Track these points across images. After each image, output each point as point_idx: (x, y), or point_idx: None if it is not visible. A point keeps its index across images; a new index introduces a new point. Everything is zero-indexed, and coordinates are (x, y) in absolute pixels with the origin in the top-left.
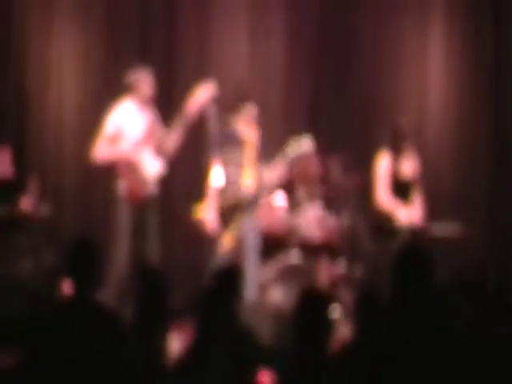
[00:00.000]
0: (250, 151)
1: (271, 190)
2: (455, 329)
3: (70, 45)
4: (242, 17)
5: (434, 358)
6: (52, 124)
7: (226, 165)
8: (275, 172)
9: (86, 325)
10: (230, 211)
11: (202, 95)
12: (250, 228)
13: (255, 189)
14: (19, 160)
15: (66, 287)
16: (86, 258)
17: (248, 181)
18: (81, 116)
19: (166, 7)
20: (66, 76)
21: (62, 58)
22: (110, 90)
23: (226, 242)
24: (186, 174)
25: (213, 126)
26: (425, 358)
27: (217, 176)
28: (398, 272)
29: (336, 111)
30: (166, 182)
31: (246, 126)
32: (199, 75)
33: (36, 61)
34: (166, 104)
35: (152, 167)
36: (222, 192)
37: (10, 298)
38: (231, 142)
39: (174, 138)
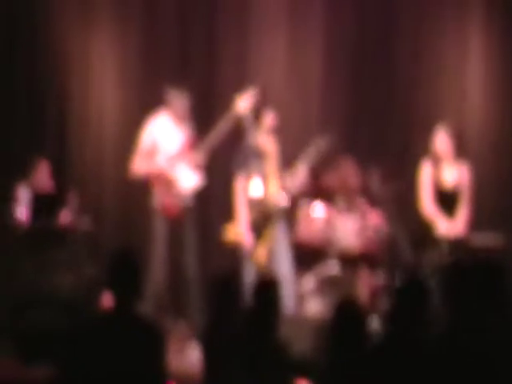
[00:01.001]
0: (271, 161)
1: (305, 199)
2: None
3: (109, 59)
4: (280, 28)
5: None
6: (92, 138)
7: (250, 177)
8: (299, 178)
9: (127, 338)
10: (260, 223)
11: (243, 104)
12: (281, 238)
13: (281, 198)
14: (59, 174)
15: (106, 300)
16: (126, 271)
17: (274, 191)
18: (121, 130)
19: (205, 19)
20: (106, 90)
21: (102, 73)
22: (149, 104)
23: (260, 255)
24: (223, 187)
25: (251, 138)
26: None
27: (256, 188)
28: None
29: (374, 121)
30: (202, 195)
31: (265, 136)
32: (238, 87)
33: (77, 75)
34: (205, 116)
35: (188, 181)
36: (250, 205)
37: (51, 312)
38: (253, 153)
39: (208, 146)
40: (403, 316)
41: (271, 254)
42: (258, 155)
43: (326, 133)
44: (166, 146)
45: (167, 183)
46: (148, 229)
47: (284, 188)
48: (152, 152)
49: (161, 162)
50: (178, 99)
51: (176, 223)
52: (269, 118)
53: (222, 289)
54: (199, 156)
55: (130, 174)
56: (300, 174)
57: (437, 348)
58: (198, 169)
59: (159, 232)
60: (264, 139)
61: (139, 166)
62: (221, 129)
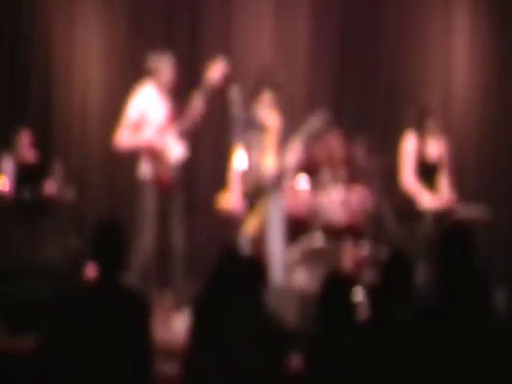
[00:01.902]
0: (271, 136)
1: (293, 173)
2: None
3: (94, 28)
4: (266, 3)
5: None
6: (77, 108)
7: (248, 149)
8: (295, 154)
9: (113, 309)
10: (254, 195)
11: (216, 71)
12: (274, 211)
13: (277, 172)
14: (44, 145)
15: (91, 271)
16: (110, 242)
17: (270, 165)
18: (105, 100)
19: None
20: (90, 59)
21: (86, 42)
22: (134, 73)
23: (251, 226)
24: (210, 158)
25: (236, 110)
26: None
27: (240, 160)
28: (441, 251)
29: (360, 94)
30: (190, 166)
31: (268, 111)
32: (223, 56)
33: (60, 45)
34: (189, 89)
35: (175, 152)
36: (245, 176)
37: (36, 281)
38: (253, 126)
39: (194, 112)
40: (389, 291)
41: (263, 226)
42: (258, 128)
43: (321, 110)
44: (153, 116)
45: (157, 154)
46: (134, 199)
47: (281, 162)
48: (139, 124)
49: (149, 134)
50: (163, 65)
51: (165, 194)
52: (270, 92)
53: (224, 260)
54: (182, 127)
55: (114, 146)
56: (296, 150)
57: (424, 323)
58: (182, 139)
59: (149, 204)
60: (266, 114)
61: (125, 138)
62: (197, 100)
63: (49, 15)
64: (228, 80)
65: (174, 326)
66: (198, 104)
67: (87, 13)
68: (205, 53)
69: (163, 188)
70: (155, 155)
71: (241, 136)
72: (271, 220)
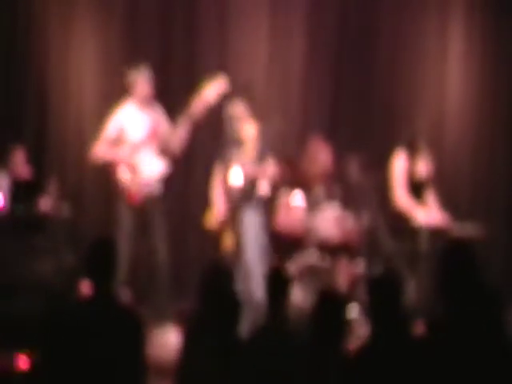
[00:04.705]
0: (248, 148)
1: (271, 183)
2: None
3: (89, 44)
4: (262, 17)
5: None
6: (72, 125)
7: (229, 164)
8: (269, 164)
9: (106, 324)
10: (233, 211)
11: (210, 92)
12: (249, 224)
13: (247, 184)
14: (39, 160)
15: (85, 287)
16: (104, 259)
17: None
18: (101, 116)
19: (186, 7)
20: (85, 75)
21: (81, 57)
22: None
23: (227, 242)
24: (203, 174)
25: (229, 126)
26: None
27: (236, 176)
28: (444, 266)
29: (354, 111)
30: (183, 182)
31: (243, 123)
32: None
33: (56, 62)
34: (183, 102)
35: (153, 168)
36: (228, 192)
37: (30, 298)
38: (231, 141)
39: (179, 136)
40: (379, 312)
41: (239, 243)
42: (236, 143)
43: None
44: (131, 134)
45: (131, 171)
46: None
47: (252, 173)
48: (117, 140)
49: (124, 153)
50: (138, 79)
51: (140, 210)
52: (238, 107)
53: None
54: (164, 143)
55: (90, 157)
56: (269, 161)
57: (432, 338)
58: (164, 155)
59: (124, 218)
60: (244, 126)
61: (101, 150)
62: (189, 116)
63: (44, 29)
64: (223, 97)
65: (157, 341)
66: (185, 122)
67: (83, 28)
68: (200, 69)
69: (136, 203)
70: (129, 171)
71: (220, 153)
72: (246, 233)
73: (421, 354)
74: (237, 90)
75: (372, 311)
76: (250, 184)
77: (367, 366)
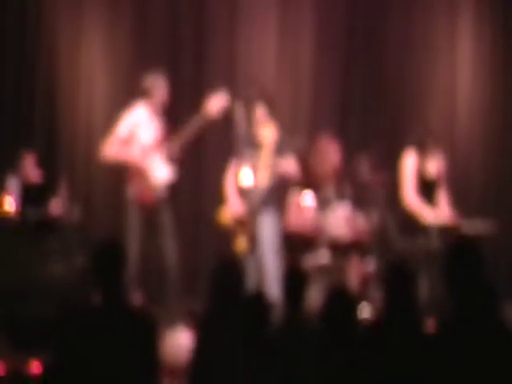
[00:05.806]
0: (265, 152)
1: (292, 186)
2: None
3: (98, 50)
4: (271, 14)
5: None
6: (82, 128)
7: (242, 166)
8: (289, 166)
9: (118, 327)
10: (246, 212)
11: (216, 103)
12: (266, 228)
13: (267, 188)
14: (50, 164)
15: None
16: (114, 262)
17: (262, 181)
18: (110, 120)
19: (195, 6)
20: (94, 80)
21: (90, 63)
22: (138, 95)
23: (241, 243)
24: (216, 175)
25: (240, 129)
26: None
27: (246, 177)
28: (451, 265)
29: (364, 110)
30: (196, 182)
31: (262, 127)
32: (228, 76)
33: (65, 65)
34: (194, 105)
35: (161, 174)
36: (241, 193)
37: (42, 301)
38: (249, 143)
39: (179, 142)
40: (393, 305)
41: (254, 242)
42: (253, 146)
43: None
44: (142, 136)
45: (141, 174)
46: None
47: (272, 178)
48: (128, 141)
49: (135, 153)
50: (157, 85)
51: (150, 213)
52: (259, 112)
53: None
54: (172, 149)
55: (100, 156)
56: (290, 163)
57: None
58: (171, 162)
59: (133, 221)
60: (263, 131)
61: (112, 150)
62: (192, 128)
63: (53, 38)
64: (233, 100)
65: (169, 342)
66: (190, 131)
67: (92, 35)
68: (209, 74)
69: (145, 206)
70: (139, 174)
71: (246, 153)
72: (263, 237)
73: (431, 350)
74: (246, 89)
75: (387, 298)
76: (279, 187)
77: (378, 363)
